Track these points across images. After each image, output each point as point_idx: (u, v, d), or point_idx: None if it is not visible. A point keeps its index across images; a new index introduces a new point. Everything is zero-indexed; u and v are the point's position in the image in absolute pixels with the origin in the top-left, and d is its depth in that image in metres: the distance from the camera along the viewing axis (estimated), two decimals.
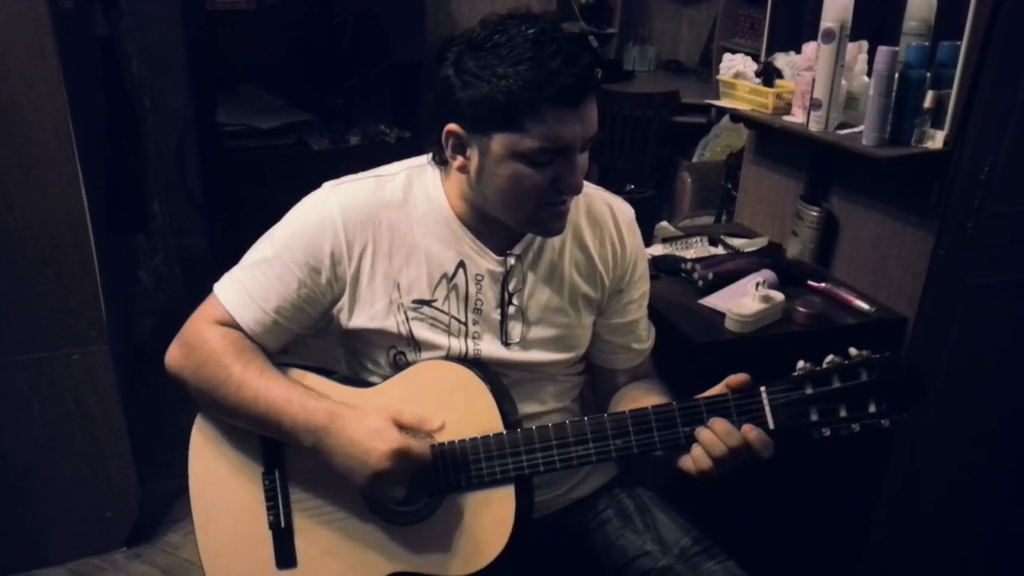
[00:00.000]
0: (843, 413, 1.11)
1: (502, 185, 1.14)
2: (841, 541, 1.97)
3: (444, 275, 1.24)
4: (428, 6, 3.94)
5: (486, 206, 1.19)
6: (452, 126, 1.14)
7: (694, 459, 1.14)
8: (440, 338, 1.25)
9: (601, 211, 1.32)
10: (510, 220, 1.20)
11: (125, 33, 2.83)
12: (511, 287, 1.26)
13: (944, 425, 1.82)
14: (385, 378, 1.26)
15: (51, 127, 1.89)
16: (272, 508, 1.24)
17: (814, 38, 1.73)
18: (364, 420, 1.12)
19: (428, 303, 1.24)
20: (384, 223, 1.22)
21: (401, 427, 1.13)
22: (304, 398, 1.15)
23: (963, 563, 2.06)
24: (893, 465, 1.85)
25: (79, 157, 1.94)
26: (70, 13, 2.16)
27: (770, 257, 1.92)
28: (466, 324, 1.25)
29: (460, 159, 1.16)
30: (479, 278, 1.24)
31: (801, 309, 1.68)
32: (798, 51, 1.87)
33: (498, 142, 1.10)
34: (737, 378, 1.15)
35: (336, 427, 1.12)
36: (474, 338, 1.26)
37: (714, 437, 1.11)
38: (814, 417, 1.11)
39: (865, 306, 1.74)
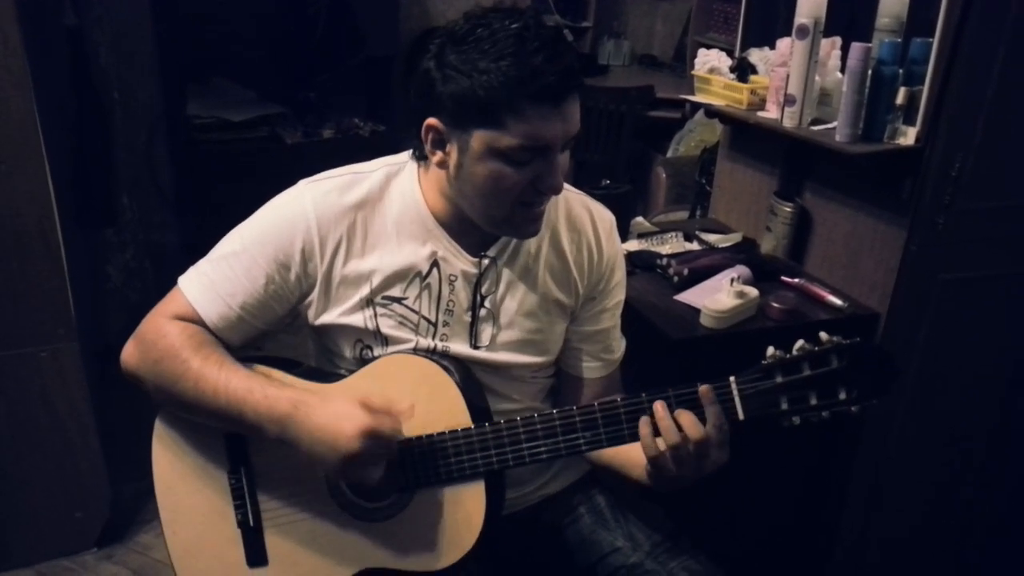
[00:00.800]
0: (813, 400, 1.09)
1: (480, 183, 1.12)
2: (814, 535, 1.99)
3: (417, 274, 1.22)
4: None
5: (463, 204, 1.18)
6: (432, 120, 1.12)
7: (648, 456, 1.11)
8: (407, 335, 1.23)
9: (580, 216, 1.30)
10: (485, 220, 1.18)
11: (94, 23, 2.78)
12: (484, 289, 1.24)
13: (916, 419, 1.84)
14: (351, 372, 1.24)
15: (17, 118, 1.85)
16: (240, 507, 1.22)
17: (788, 34, 1.74)
18: (329, 404, 1.10)
19: (399, 300, 1.22)
20: (358, 221, 1.21)
21: (369, 410, 1.10)
22: (265, 387, 1.13)
23: (935, 556, 2.08)
24: (865, 460, 1.86)
25: (46, 150, 1.90)
26: (37, 1, 2.11)
27: (744, 253, 1.93)
28: (435, 324, 1.24)
29: (439, 154, 1.14)
30: (452, 279, 1.23)
31: (775, 305, 1.69)
32: (772, 47, 1.88)
33: (478, 139, 1.08)
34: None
35: (301, 414, 1.10)
36: (442, 339, 1.24)
37: (670, 423, 1.09)
38: (784, 406, 1.10)
39: (838, 302, 1.75)
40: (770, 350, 1.11)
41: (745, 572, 1.28)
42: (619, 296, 1.36)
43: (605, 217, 1.33)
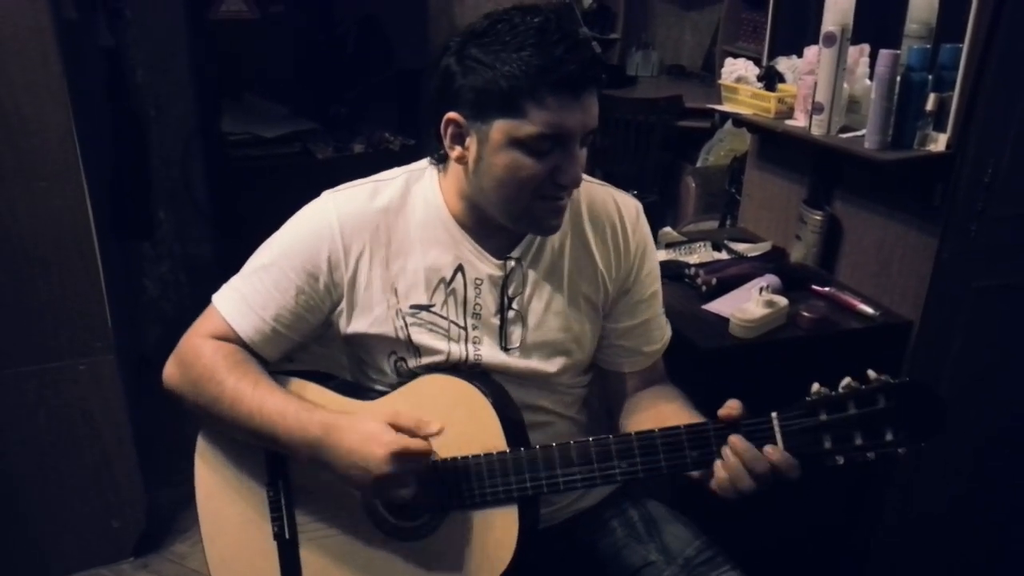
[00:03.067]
0: (858, 441, 1.05)
1: (500, 174, 1.12)
2: (845, 552, 1.96)
3: (442, 280, 1.23)
4: (431, 13, 3.95)
5: (483, 201, 1.17)
6: (452, 114, 1.13)
7: (718, 484, 1.10)
8: (440, 343, 1.24)
9: (604, 206, 1.30)
10: (505, 215, 1.17)
11: (130, 43, 2.84)
12: (511, 291, 1.25)
13: (949, 429, 1.81)
14: (390, 386, 1.26)
15: (55, 136, 1.90)
16: (276, 519, 1.24)
17: (816, 42, 1.73)
18: (359, 426, 1.11)
19: (426, 308, 1.23)
20: (382, 228, 1.22)
21: (398, 430, 1.12)
22: (298, 411, 1.14)
23: (967, 574, 2.04)
24: (897, 470, 1.84)
25: (83, 165, 1.95)
26: (74, 23, 2.17)
27: (774, 262, 1.92)
28: (466, 329, 1.24)
29: (458, 149, 1.15)
30: (478, 282, 1.23)
31: (805, 314, 1.68)
32: (800, 55, 1.88)
33: (498, 129, 1.09)
34: (728, 409, 1.10)
35: (332, 439, 1.11)
36: (474, 343, 1.24)
37: (739, 464, 1.07)
38: (828, 445, 1.06)
39: (869, 310, 1.73)
40: (815, 386, 1.07)
41: None
42: (654, 286, 1.34)
43: (630, 205, 1.32)
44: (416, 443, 1.10)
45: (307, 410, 1.15)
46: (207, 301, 1.26)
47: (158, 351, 1.25)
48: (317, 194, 1.26)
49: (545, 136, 1.08)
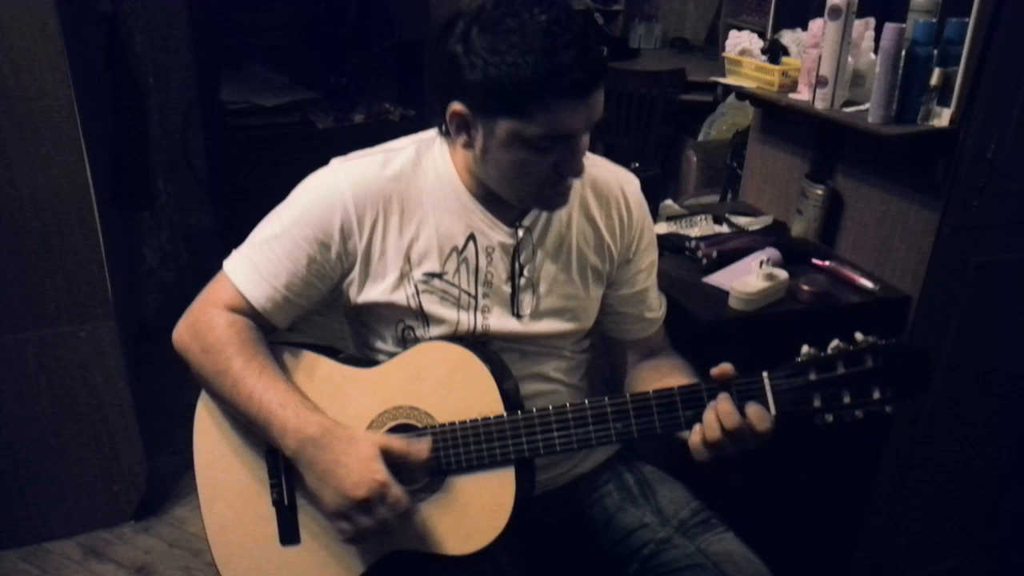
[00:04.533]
0: (847, 399, 1.09)
1: (505, 168, 1.14)
2: (840, 521, 1.98)
3: (454, 248, 1.24)
4: None
5: (490, 183, 1.20)
6: (457, 106, 1.13)
7: (691, 442, 1.13)
8: (449, 312, 1.25)
9: (607, 182, 1.32)
10: (512, 198, 1.20)
11: (128, 10, 2.82)
12: (522, 259, 1.26)
13: (946, 404, 1.83)
14: (390, 355, 1.26)
15: (55, 104, 1.89)
16: (275, 485, 1.25)
17: (821, 15, 1.72)
18: (355, 448, 1.12)
19: (439, 276, 1.24)
20: (394, 197, 1.22)
21: (389, 455, 1.13)
22: (298, 406, 1.15)
23: (963, 546, 2.07)
24: (893, 443, 1.85)
25: (83, 134, 1.94)
26: None
27: (774, 235, 1.92)
28: (476, 297, 1.25)
29: (464, 137, 1.16)
30: (490, 250, 1.25)
31: (805, 287, 1.68)
32: (804, 28, 1.86)
33: (503, 127, 1.10)
34: (721, 370, 1.14)
35: (325, 442, 1.13)
36: (483, 311, 1.26)
37: (714, 418, 1.11)
38: (817, 403, 1.10)
39: (869, 284, 1.74)
40: (804, 348, 1.11)
41: (769, 551, 1.28)
42: (652, 255, 1.39)
43: (631, 181, 1.36)
44: (396, 492, 1.11)
45: (307, 408, 1.16)
46: (207, 271, 1.27)
47: (157, 320, 1.27)
48: (317, 164, 1.26)
49: (549, 136, 1.10)
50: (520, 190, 1.18)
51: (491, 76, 1.07)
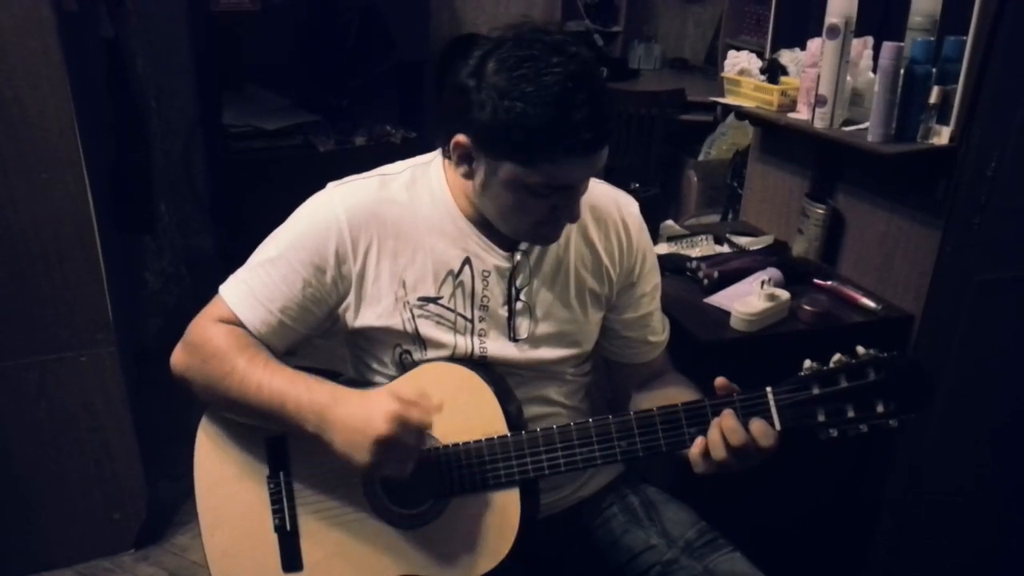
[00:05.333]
0: (851, 413, 1.09)
1: (503, 206, 1.16)
2: (846, 539, 1.97)
3: (450, 272, 1.23)
4: (433, 5, 3.94)
5: (486, 213, 1.21)
6: (462, 138, 1.13)
7: (692, 455, 1.13)
8: (446, 336, 1.24)
9: (606, 206, 1.32)
10: (507, 232, 1.21)
11: (131, 34, 2.83)
12: (518, 283, 1.26)
13: (951, 423, 1.81)
14: (390, 379, 1.26)
15: (56, 128, 1.89)
16: (277, 511, 1.24)
17: (819, 34, 1.72)
18: (364, 398, 1.11)
19: (434, 300, 1.24)
20: (389, 221, 1.22)
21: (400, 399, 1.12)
22: (308, 380, 1.15)
23: (968, 563, 2.05)
24: (898, 462, 1.84)
25: (84, 158, 1.95)
26: (74, 14, 2.16)
27: (776, 255, 1.91)
28: (472, 321, 1.25)
29: (465, 168, 1.17)
30: (486, 274, 1.24)
31: (807, 307, 1.68)
32: (803, 48, 1.87)
33: (505, 169, 1.11)
34: (724, 381, 1.14)
35: (339, 403, 1.11)
36: (480, 335, 1.25)
37: (719, 435, 1.10)
38: (821, 418, 1.10)
39: (871, 304, 1.73)
40: (807, 362, 1.11)
41: (776, 570, 1.26)
42: (655, 279, 1.39)
43: (630, 205, 1.36)
44: (416, 412, 1.10)
45: (317, 381, 1.16)
46: (208, 294, 1.27)
47: (159, 344, 1.26)
48: (319, 187, 1.27)
49: (551, 187, 1.11)
50: (515, 227, 1.19)
51: (500, 119, 1.07)
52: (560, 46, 1.08)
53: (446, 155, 1.21)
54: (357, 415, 1.10)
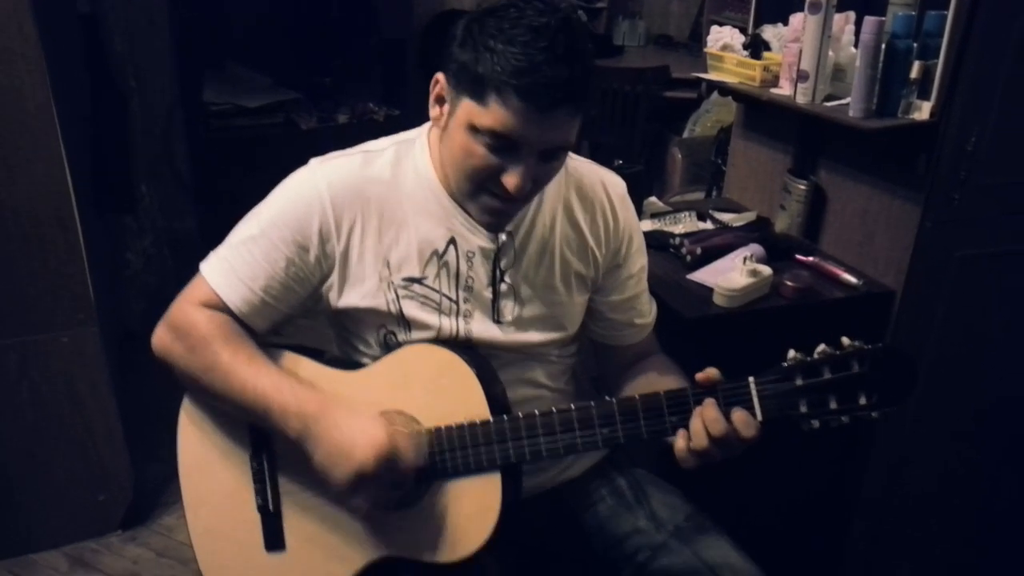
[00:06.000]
0: (833, 405, 1.09)
1: (456, 150, 1.12)
2: (828, 525, 1.98)
3: (435, 252, 1.22)
4: None
5: (445, 165, 1.18)
6: (439, 76, 1.14)
7: (677, 449, 1.13)
8: (431, 317, 1.23)
9: (592, 186, 1.31)
10: (456, 190, 1.18)
11: (108, 10, 2.79)
12: (503, 264, 1.25)
13: (932, 400, 1.83)
14: (375, 359, 1.25)
15: (33, 106, 1.87)
16: (260, 491, 1.24)
17: (801, 9, 1.72)
18: (356, 418, 1.11)
19: (418, 281, 1.23)
20: (373, 199, 1.21)
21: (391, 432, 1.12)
22: (294, 387, 1.15)
23: (950, 549, 2.06)
24: (880, 441, 1.86)
25: (63, 136, 1.92)
26: None
27: (758, 231, 1.92)
28: (457, 302, 1.24)
29: (438, 109, 1.16)
30: (470, 255, 1.23)
31: (789, 283, 1.68)
32: (786, 23, 1.86)
33: (463, 108, 1.09)
34: (706, 375, 1.14)
35: (328, 419, 1.11)
36: (465, 316, 1.24)
37: (700, 425, 1.11)
38: (803, 408, 1.10)
39: (853, 279, 1.74)
40: (791, 353, 1.11)
41: (763, 554, 1.27)
42: (642, 260, 1.37)
43: (617, 184, 1.34)
44: (405, 452, 1.11)
45: (303, 388, 1.15)
46: (191, 275, 1.25)
47: (142, 325, 1.25)
48: (301, 165, 1.25)
49: (497, 134, 1.07)
50: (462, 181, 1.15)
51: (469, 55, 1.07)
52: (549, 4, 1.08)
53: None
54: (344, 437, 1.10)
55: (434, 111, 1.16)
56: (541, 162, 1.11)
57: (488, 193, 1.14)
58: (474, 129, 1.08)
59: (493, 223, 1.20)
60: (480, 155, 1.10)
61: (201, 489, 1.26)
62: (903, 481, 1.93)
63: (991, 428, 1.92)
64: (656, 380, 1.30)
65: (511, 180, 1.10)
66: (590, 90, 1.11)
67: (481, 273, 1.24)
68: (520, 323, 1.27)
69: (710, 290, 1.67)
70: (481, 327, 1.25)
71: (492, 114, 1.06)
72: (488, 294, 1.25)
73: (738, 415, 1.10)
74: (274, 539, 1.24)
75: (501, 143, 1.08)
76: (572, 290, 1.30)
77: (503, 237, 1.23)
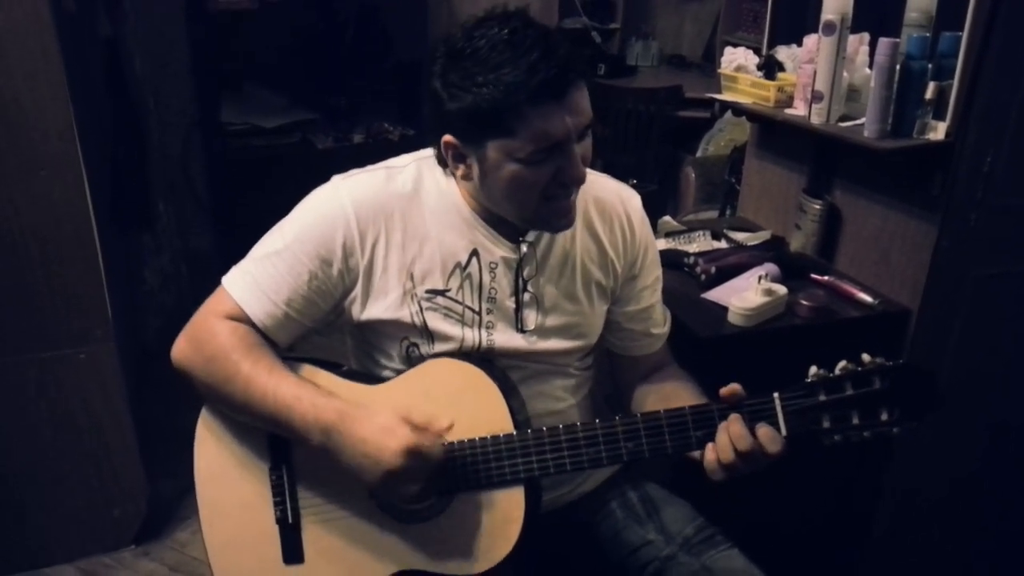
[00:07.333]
0: (855, 420, 1.10)
1: (504, 187, 1.14)
2: (844, 536, 1.97)
3: (458, 264, 1.24)
4: (430, 4, 3.94)
5: (493, 207, 1.21)
6: (448, 138, 1.14)
7: (707, 462, 1.13)
8: (454, 328, 1.24)
9: (610, 199, 1.33)
10: (517, 219, 1.20)
11: (128, 33, 2.83)
12: (526, 274, 1.26)
13: (948, 418, 1.81)
14: (396, 372, 1.26)
15: (54, 127, 1.90)
16: (279, 503, 1.24)
17: (815, 31, 1.73)
18: (375, 418, 1.12)
19: (442, 293, 1.24)
20: (396, 214, 1.22)
21: (411, 426, 1.12)
22: (314, 396, 1.15)
23: (966, 562, 2.05)
24: (896, 457, 1.84)
25: (83, 156, 1.95)
26: (73, 14, 2.17)
27: (773, 250, 1.92)
28: (480, 314, 1.25)
29: (462, 168, 1.17)
30: (493, 266, 1.24)
31: (804, 302, 1.68)
32: (800, 44, 1.87)
33: (492, 149, 1.11)
34: (730, 390, 1.14)
35: (346, 425, 1.12)
36: (488, 328, 1.25)
37: (727, 441, 1.11)
38: (826, 424, 1.10)
39: (868, 299, 1.73)
40: (813, 369, 1.12)
41: (772, 566, 1.27)
42: (657, 271, 1.39)
43: (632, 198, 1.36)
44: (428, 444, 1.11)
45: (323, 396, 1.15)
46: (207, 292, 1.26)
47: (158, 342, 1.26)
48: (317, 185, 1.26)
49: (540, 148, 1.09)
50: (522, 208, 1.17)
51: (467, 102, 1.08)
52: (501, 17, 1.10)
53: (443, 164, 1.22)
54: (369, 442, 1.10)
55: (459, 171, 1.18)
56: (580, 142, 1.14)
57: (554, 199, 1.16)
58: (514, 159, 1.10)
59: (566, 221, 1.21)
60: (536, 175, 1.12)
61: (218, 500, 1.26)
62: (918, 500, 1.91)
63: (1007, 448, 1.91)
64: (673, 392, 1.32)
65: (572, 172, 1.13)
66: (581, 55, 1.13)
67: (504, 283, 1.25)
68: (543, 332, 1.28)
69: (725, 309, 1.67)
70: (504, 337, 1.26)
71: (524, 136, 1.08)
72: (511, 304, 1.26)
73: (763, 431, 1.10)
74: (293, 552, 1.24)
75: (544, 153, 1.10)
76: (593, 299, 1.32)
77: (524, 248, 1.25)
